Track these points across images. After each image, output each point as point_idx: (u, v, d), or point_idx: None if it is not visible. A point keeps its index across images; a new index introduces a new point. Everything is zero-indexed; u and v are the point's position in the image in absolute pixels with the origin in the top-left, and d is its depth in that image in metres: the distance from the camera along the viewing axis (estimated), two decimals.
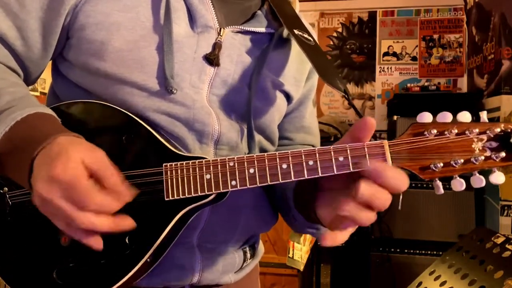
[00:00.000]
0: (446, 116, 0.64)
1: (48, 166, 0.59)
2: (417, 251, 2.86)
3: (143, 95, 0.75)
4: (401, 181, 0.60)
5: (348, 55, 3.80)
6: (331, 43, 3.80)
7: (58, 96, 0.82)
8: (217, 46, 0.78)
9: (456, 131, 0.63)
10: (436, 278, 1.60)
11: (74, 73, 0.79)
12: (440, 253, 2.20)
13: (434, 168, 0.62)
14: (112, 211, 0.61)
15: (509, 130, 0.61)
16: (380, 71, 3.74)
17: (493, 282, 1.36)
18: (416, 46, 3.69)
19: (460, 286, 1.47)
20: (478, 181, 0.63)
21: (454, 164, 0.62)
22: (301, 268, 2.34)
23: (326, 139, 3.08)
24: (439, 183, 0.64)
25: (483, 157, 0.62)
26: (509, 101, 2.85)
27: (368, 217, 0.61)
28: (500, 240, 1.54)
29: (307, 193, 0.73)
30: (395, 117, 3.09)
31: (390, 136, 3.31)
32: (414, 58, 3.69)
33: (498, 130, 0.62)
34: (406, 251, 2.87)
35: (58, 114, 0.70)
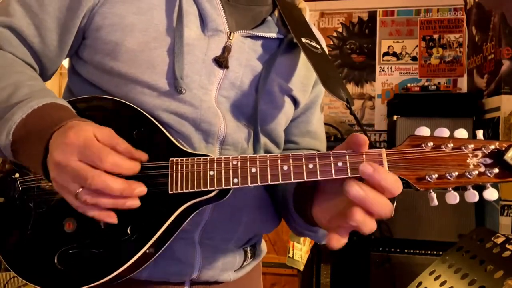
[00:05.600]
0: (443, 131, 0.66)
1: (62, 136, 0.63)
2: (417, 251, 2.86)
3: (153, 95, 0.77)
4: (392, 181, 0.62)
5: (348, 55, 3.80)
6: (331, 43, 3.81)
7: (73, 93, 0.85)
8: (226, 49, 0.81)
9: (452, 145, 0.65)
10: (436, 278, 1.60)
11: (88, 72, 0.82)
12: (440, 253, 2.20)
13: (429, 179, 0.65)
14: (127, 172, 0.63)
15: (503, 148, 0.64)
16: (380, 71, 3.74)
17: (493, 282, 1.37)
18: (416, 46, 3.69)
19: (460, 286, 1.47)
20: (472, 196, 0.65)
21: (448, 177, 0.64)
22: (301, 268, 2.34)
23: (326, 139, 3.07)
24: (433, 195, 0.66)
25: (477, 172, 0.64)
26: (509, 101, 2.85)
27: (369, 225, 0.63)
28: (500, 240, 1.54)
29: (305, 196, 0.75)
30: (395, 117, 3.09)
31: (390, 136, 3.31)
32: (414, 58, 3.69)
33: (493, 147, 0.64)
34: (406, 251, 2.87)
35: (73, 107, 0.74)
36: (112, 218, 0.65)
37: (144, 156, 0.67)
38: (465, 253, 1.60)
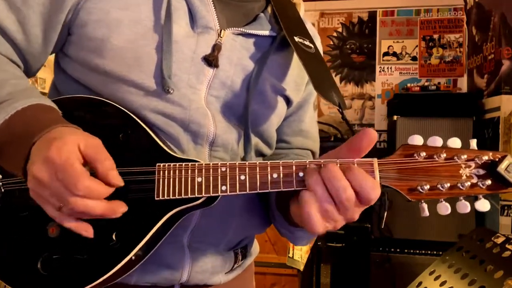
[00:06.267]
0: (436, 140, 0.65)
1: (45, 149, 0.60)
2: (417, 251, 2.86)
3: (140, 94, 0.75)
4: (368, 183, 0.61)
5: (348, 55, 3.80)
6: (331, 43, 3.81)
7: (59, 91, 0.83)
8: (216, 47, 0.78)
9: (445, 155, 0.64)
10: (436, 278, 1.60)
11: (74, 69, 0.79)
12: (440, 253, 2.20)
13: (420, 190, 0.64)
14: (102, 197, 0.62)
15: (497, 159, 0.63)
16: (380, 71, 3.74)
17: (493, 282, 1.37)
18: (416, 46, 3.69)
19: (460, 286, 1.47)
20: (463, 207, 0.64)
21: (440, 188, 0.63)
22: (301, 268, 2.34)
23: (326, 139, 3.07)
24: (425, 205, 0.65)
25: (469, 183, 0.63)
26: (509, 101, 2.85)
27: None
28: (500, 240, 1.54)
29: (288, 192, 0.74)
30: (395, 117, 3.09)
31: (390, 136, 3.31)
32: (414, 58, 3.69)
33: (486, 158, 0.63)
34: (406, 251, 2.87)
35: (58, 107, 0.71)
36: (88, 233, 0.63)
37: (120, 182, 0.64)
38: (465, 253, 1.60)
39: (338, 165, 0.64)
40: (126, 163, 0.69)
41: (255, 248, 0.99)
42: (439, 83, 3.53)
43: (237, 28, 0.81)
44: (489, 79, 3.09)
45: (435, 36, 3.67)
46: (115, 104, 0.74)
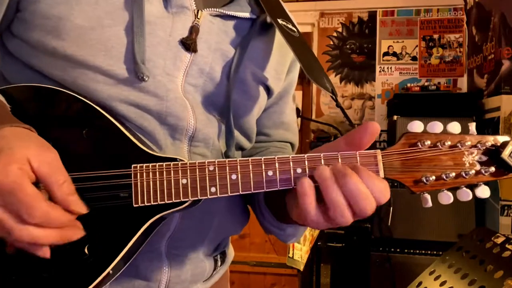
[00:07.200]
0: (436, 126, 0.62)
1: None
2: (417, 251, 2.86)
3: (109, 82, 0.65)
4: (381, 187, 0.56)
5: (348, 55, 3.79)
6: (331, 43, 3.80)
7: (5, 78, 0.71)
8: (194, 29, 0.70)
9: (449, 143, 0.61)
10: (436, 278, 1.60)
11: (25, 53, 0.68)
12: (440, 253, 2.20)
13: (425, 181, 0.61)
14: (61, 226, 0.53)
15: (499, 145, 0.61)
16: (380, 71, 3.73)
17: (493, 282, 1.36)
18: (416, 46, 3.69)
19: (460, 286, 1.47)
20: (465, 194, 0.62)
21: (445, 178, 0.61)
22: (301, 268, 2.34)
23: (326, 139, 3.07)
24: (427, 196, 0.62)
25: (473, 172, 0.61)
26: (509, 101, 2.85)
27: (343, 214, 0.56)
28: (500, 240, 1.54)
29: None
30: (395, 117, 3.09)
31: (390, 136, 3.30)
32: (414, 58, 3.69)
33: (489, 144, 0.61)
34: (406, 251, 2.87)
35: (5, 98, 0.61)
36: (44, 254, 0.54)
37: (83, 210, 0.54)
38: (465, 253, 1.60)
39: (340, 161, 0.59)
40: (93, 165, 0.60)
41: (231, 253, 0.93)
42: (439, 83, 3.53)
43: (214, 9, 0.73)
44: (489, 79, 3.09)
45: (435, 36, 3.67)
46: (74, 94, 0.64)
